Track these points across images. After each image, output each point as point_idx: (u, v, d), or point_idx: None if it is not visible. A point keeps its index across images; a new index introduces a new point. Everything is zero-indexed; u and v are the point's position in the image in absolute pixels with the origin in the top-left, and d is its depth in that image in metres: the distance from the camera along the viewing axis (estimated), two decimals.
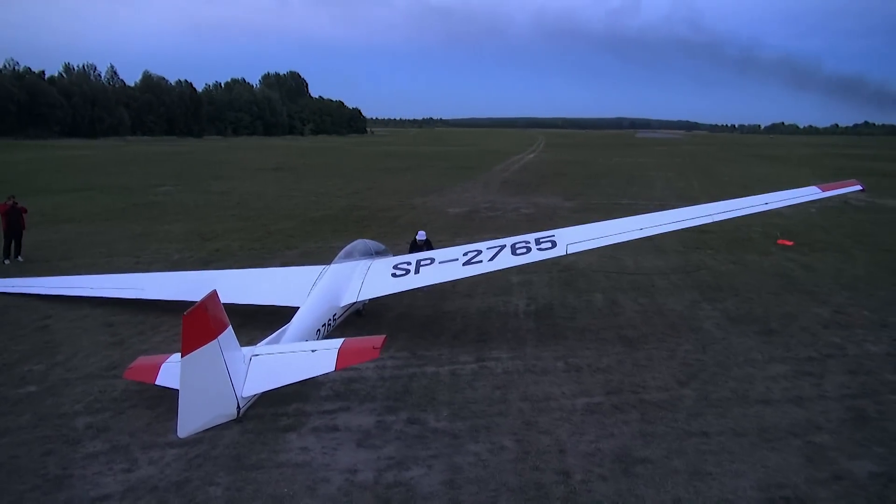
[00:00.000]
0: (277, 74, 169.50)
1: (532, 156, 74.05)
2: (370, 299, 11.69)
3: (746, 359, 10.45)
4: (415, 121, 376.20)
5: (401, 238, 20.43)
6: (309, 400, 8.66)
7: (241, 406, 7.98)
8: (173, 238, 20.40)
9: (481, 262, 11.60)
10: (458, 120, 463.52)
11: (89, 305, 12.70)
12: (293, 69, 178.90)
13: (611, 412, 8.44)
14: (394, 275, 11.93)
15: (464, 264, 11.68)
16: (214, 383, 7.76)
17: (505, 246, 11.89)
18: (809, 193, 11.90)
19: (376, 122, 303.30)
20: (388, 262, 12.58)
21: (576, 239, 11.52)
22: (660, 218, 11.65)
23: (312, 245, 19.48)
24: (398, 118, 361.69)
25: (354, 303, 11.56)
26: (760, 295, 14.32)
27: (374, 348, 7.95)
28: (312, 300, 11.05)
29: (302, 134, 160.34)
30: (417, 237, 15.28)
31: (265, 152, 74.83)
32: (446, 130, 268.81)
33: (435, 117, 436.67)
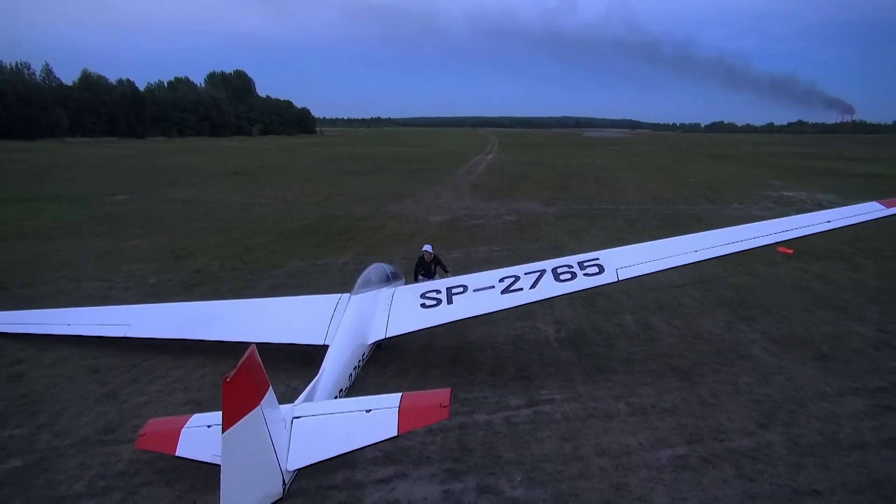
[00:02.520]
0: (223, 73, 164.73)
1: (490, 157, 73.42)
2: (399, 335, 10.38)
3: (816, 392, 9.66)
4: (363, 120, 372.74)
5: (391, 251, 19.27)
6: (356, 465, 7.40)
7: (286, 482, 6.64)
8: (143, 256, 18.64)
9: (521, 289, 10.47)
10: (405, 119, 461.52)
11: (67, 345, 11.08)
12: (232, 67, 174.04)
13: (702, 467, 7.48)
14: (423, 305, 10.70)
15: (502, 292, 10.52)
16: (258, 457, 6.40)
17: (545, 271, 10.77)
18: (871, 210, 11.12)
19: (325, 121, 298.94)
20: (413, 291, 11.32)
21: (625, 262, 10.48)
22: (713, 238, 10.72)
23: (299, 263, 18.03)
24: (346, 118, 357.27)
25: (383, 339, 10.30)
26: (793, 312, 13.65)
27: (441, 406, 6.77)
28: (340, 340, 9.76)
29: (250, 134, 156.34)
30: (424, 252, 13.74)
31: (217, 155, 72.09)
32: (395, 130, 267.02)
33: (383, 116, 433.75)
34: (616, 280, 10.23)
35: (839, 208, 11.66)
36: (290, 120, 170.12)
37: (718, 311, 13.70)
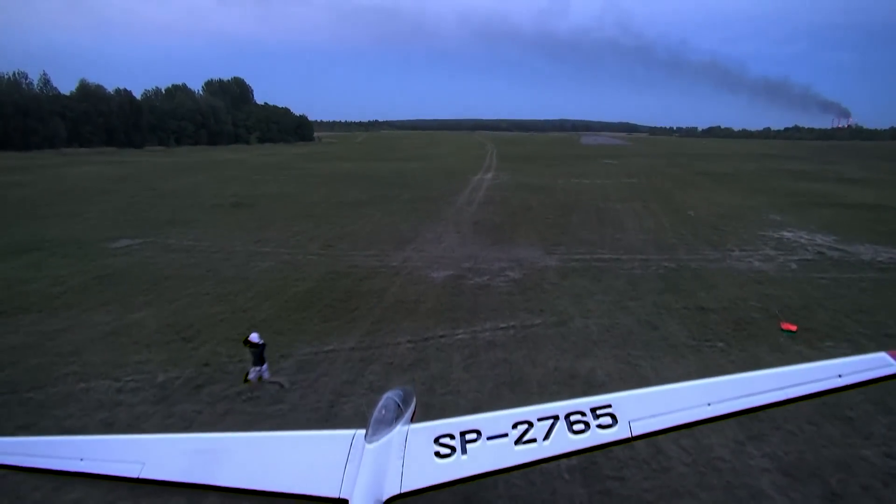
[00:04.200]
0: (220, 81, 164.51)
1: (489, 176, 73.36)
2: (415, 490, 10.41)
3: None
4: (360, 124, 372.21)
5: (397, 328, 19.22)
6: None
7: None
8: (150, 338, 18.70)
9: (535, 440, 10.48)
10: (403, 122, 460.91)
11: (81, 484, 11.09)
12: (227, 70, 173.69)
13: None
14: (437, 454, 10.72)
15: (516, 443, 10.56)
16: None
17: (558, 418, 10.79)
18: (881, 365, 11.12)
19: (322, 125, 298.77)
20: (427, 433, 11.29)
21: (638, 414, 10.49)
22: (726, 389, 10.72)
23: (307, 349, 18.08)
24: (344, 121, 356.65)
25: (398, 495, 10.33)
26: (800, 426, 13.71)
27: None
28: (357, 498, 9.80)
29: (248, 142, 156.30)
30: (250, 338, 14.93)
31: (215, 173, 71.97)
32: (392, 135, 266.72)
33: (380, 120, 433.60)
34: (629, 436, 10.26)
35: (848, 359, 11.65)
36: (287, 127, 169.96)
37: (727, 428, 13.72)
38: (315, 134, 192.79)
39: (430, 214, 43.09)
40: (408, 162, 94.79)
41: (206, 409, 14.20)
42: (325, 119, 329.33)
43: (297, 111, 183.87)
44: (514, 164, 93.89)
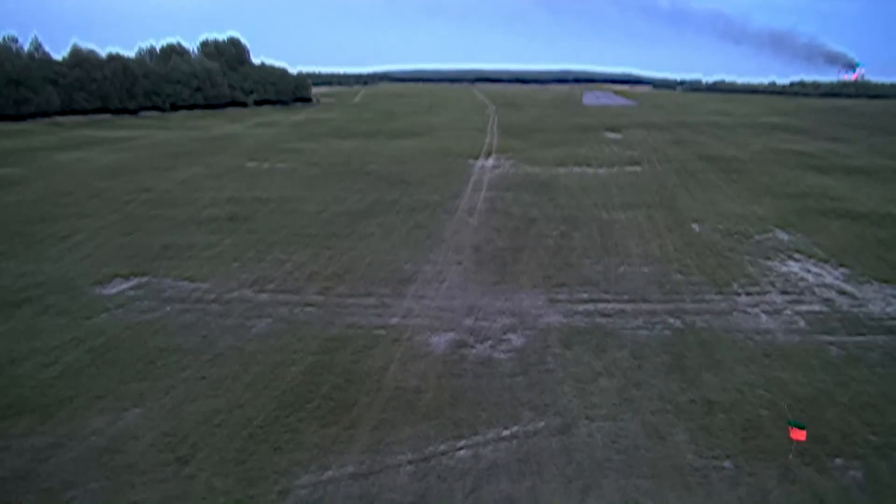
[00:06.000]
0: (217, 42, 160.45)
1: (490, 164, 72.06)
2: None
3: None
4: (359, 76, 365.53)
5: (396, 433, 18.68)
6: None
7: None
8: (144, 460, 18.38)
9: None
10: (403, 73, 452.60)
11: None
12: (224, 23, 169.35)
13: None
14: None
15: None
16: None
17: None
18: None
19: (320, 76, 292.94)
20: None
21: None
22: None
23: (304, 479, 17.69)
24: (342, 72, 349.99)
25: None
26: None
27: None
28: None
29: (245, 105, 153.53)
30: None
31: (211, 161, 70.71)
32: (391, 92, 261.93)
33: (379, 71, 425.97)
34: None
35: None
36: (285, 88, 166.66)
37: None
38: (313, 92, 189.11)
39: (431, 234, 42.34)
40: (407, 139, 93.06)
41: None
42: (323, 69, 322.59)
43: (294, 62, 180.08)
44: (515, 140, 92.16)
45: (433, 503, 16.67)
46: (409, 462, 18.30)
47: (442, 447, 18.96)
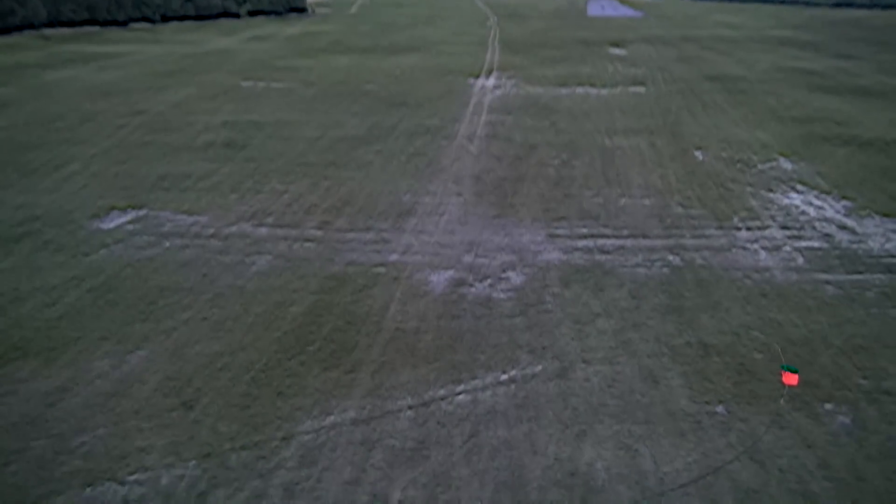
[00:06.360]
0: None
1: (491, 83, 70.32)
2: None
3: None
4: None
5: (396, 378, 19.07)
6: None
7: None
8: (150, 405, 18.78)
9: None
10: None
11: None
12: None
13: None
14: None
15: None
16: None
17: None
18: None
19: None
20: None
21: None
22: None
23: (307, 424, 18.09)
24: None
25: None
26: None
27: None
28: None
29: (238, 16, 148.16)
30: None
31: (204, 80, 68.92)
32: (391, 1, 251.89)
33: None
34: None
35: None
36: None
37: None
38: (308, 1, 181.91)
39: (430, 162, 41.80)
40: (406, 55, 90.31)
41: None
42: None
43: None
44: (516, 56, 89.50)
45: (432, 449, 17.12)
46: (409, 407, 18.71)
47: (441, 392, 19.34)
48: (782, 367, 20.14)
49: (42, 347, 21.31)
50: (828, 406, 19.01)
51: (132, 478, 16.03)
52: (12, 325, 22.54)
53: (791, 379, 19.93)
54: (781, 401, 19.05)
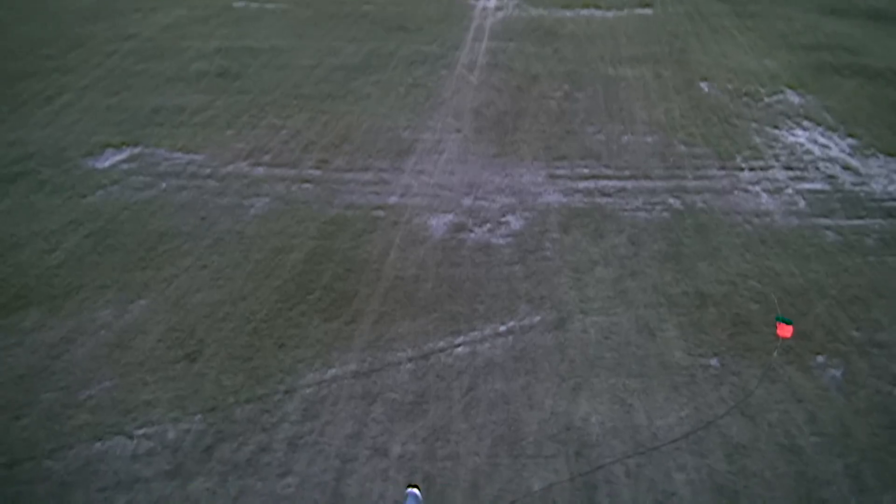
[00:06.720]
0: None
1: (493, 4, 67.73)
2: None
3: None
4: None
5: (396, 328, 19.44)
6: None
7: None
8: (153, 357, 19.08)
9: None
10: None
11: None
12: None
13: None
14: None
15: None
16: None
17: None
18: None
19: None
20: None
21: None
22: None
23: (309, 377, 18.49)
24: None
25: None
26: None
27: None
28: None
29: None
30: None
31: (197, 2, 66.20)
32: None
33: None
34: None
35: None
36: None
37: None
38: None
39: (430, 94, 40.88)
40: None
41: (219, 490, 15.06)
42: None
43: None
44: None
45: (432, 402, 17.57)
46: (409, 359, 19.04)
47: (440, 344, 19.64)
48: (777, 319, 20.31)
49: (44, 296, 21.44)
50: (819, 359, 19.34)
51: (140, 432, 16.46)
52: (13, 272, 22.60)
53: (785, 331, 20.13)
54: (775, 353, 19.31)
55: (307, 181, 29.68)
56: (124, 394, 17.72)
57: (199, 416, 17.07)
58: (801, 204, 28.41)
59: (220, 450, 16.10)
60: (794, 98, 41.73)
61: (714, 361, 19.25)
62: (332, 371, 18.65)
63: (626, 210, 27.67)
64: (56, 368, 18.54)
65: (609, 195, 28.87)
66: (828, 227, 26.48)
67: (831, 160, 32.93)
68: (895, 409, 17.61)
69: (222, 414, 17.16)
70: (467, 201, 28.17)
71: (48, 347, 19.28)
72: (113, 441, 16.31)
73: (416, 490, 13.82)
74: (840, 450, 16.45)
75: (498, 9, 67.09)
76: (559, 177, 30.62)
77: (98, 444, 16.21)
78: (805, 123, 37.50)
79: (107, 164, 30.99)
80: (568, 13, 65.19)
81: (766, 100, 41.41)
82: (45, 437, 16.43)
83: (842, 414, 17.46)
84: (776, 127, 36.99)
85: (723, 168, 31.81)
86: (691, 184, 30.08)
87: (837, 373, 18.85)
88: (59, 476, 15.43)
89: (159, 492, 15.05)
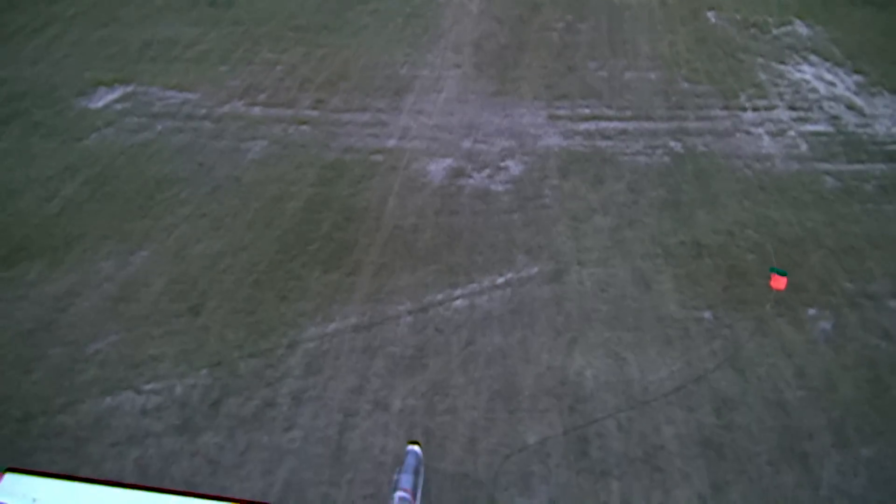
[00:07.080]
0: None
1: None
2: None
3: None
4: None
5: (395, 281, 19.75)
6: None
7: None
8: (158, 311, 19.47)
9: None
10: None
11: None
12: None
13: None
14: None
15: None
16: None
17: None
18: None
19: None
20: None
21: None
22: None
23: (311, 331, 18.94)
24: None
25: None
26: (757, 466, 15.35)
27: None
28: None
29: None
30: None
31: None
32: None
33: None
34: None
35: None
36: None
37: (697, 476, 15.40)
38: None
39: (428, 26, 39.62)
40: None
41: (227, 444, 15.71)
42: None
43: None
44: None
45: (431, 356, 18.03)
46: (409, 313, 19.41)
47: (439, 297, 19.96)
48: (771, 270, 20.54)
49: (46, 247, 21.59)
50: (811, 311, 19.67)
51: (148, 387, 16.98)
52: (14, 222, 22.67)
53: (779, 283, 20.38)
54: (767, 306, 19.66)
55: (304, 122, 29.26)
56: (131, 348, 18.13)
57: (204, 370, 17.54)
58: (803, 147, 28.15)
59: (226, 404, 16.64)
60: (802, 30, 40.51)
61: (707, 314, 19.60)
62: (333, 325, 19.02)
63: (626, 154, 27.45)
64: (62, 322, 18.88)
65: (610, 138, 28.55)
66: (828, 173, 26.35)
67: (836, 99, 32.35)
68: (881, 363, 18.06)
69: (227, 369, 17.62)
70: (466, 144, 27.88)
71: (53, 300, 19.56)
72: (122, 396, 16.83)
73: (416, 447, 14.40)
74: (825, 403, 17.02)
75: None
76: (560, 117, 30.17)
77: (108, 399, 16.73)
78: (812, 58, 36.58)
79: (100, 104, 30.45)
80: None
81: (774, 31, 40.23)
82: (56, 391, 16.93)
83: (829, 368, 17.95)
84: (782, 62, 36.12)
85: (726, 108, 31.29)
86: (693, 125, 29.69)
87: (828, 325, 19.23)
88: (72, 431, 16.00)
89: (170, 446, 15.66)
